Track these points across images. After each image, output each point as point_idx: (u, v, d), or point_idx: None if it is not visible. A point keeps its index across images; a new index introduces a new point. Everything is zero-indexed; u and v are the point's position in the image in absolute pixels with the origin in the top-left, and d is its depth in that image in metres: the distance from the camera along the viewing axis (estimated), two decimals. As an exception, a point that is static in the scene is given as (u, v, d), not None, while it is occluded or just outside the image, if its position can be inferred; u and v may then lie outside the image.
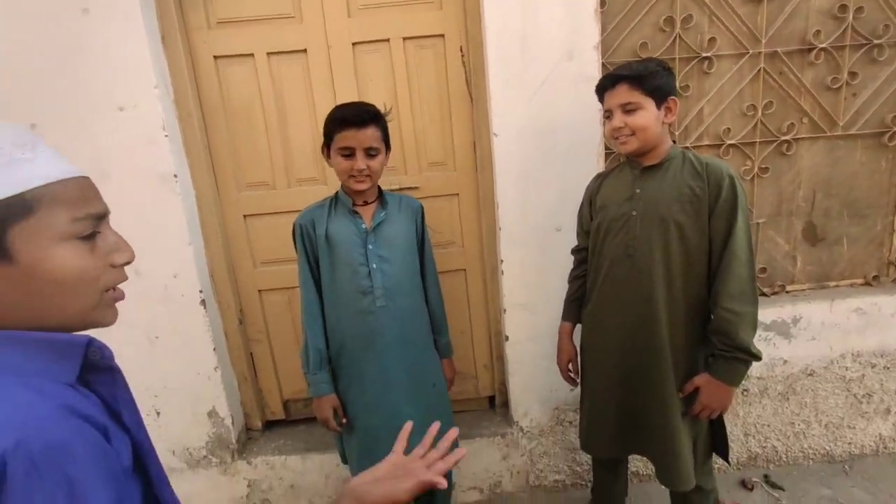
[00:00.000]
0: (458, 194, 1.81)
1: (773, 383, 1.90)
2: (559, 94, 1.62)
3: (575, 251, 1.52)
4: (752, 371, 1.88)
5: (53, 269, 0.47)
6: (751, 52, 1.72)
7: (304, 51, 1.70)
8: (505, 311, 1.76)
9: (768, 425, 1.94)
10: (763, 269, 1.91)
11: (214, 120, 1.72)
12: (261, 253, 1.85)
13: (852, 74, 1.76)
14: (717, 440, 1.40)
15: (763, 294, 1.92)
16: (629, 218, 1.28)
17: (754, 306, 1.21)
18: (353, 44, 1.69)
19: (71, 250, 0.49)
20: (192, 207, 1.70)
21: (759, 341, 1.81)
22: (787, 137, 1.79)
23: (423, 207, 1.50)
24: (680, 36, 1.69)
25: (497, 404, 1.98)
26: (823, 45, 1.72)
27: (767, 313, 1.83)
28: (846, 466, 1.93)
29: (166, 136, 1.57)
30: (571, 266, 1.53)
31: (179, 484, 1.79)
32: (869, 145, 1.84)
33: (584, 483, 1.92)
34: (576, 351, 1.50)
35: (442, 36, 1.71)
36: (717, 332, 1.22)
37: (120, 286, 0.56)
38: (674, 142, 1.34)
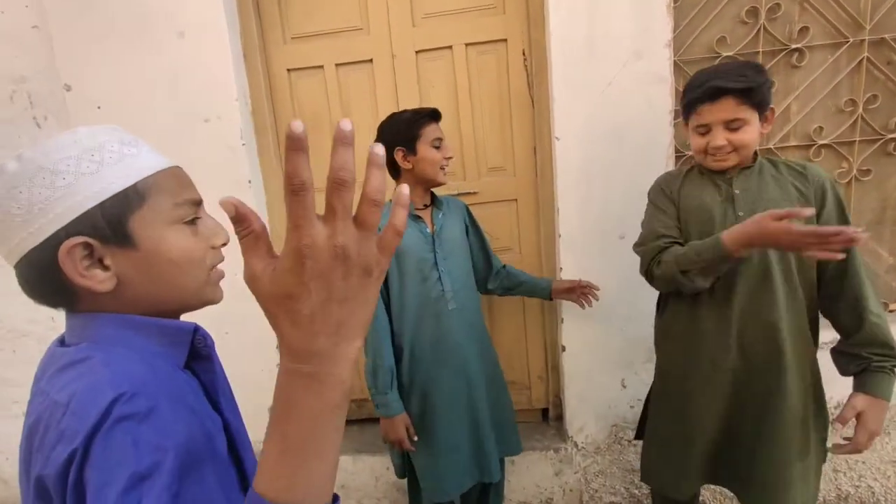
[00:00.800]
0: (516, 200, 1.77)
1: None
2: (627, 95, 1.54)
3: (659, 244, 1.18)
4: (843, 395, 1.66)
5: (169, 250, 0.52)
6: (851, 40, 1.53)
7: (370, 60, 1.74)
8: (563, 320, 1.69)
9: (863, 462, 1.71)
10: (862, 284, 1.69)
11: (284, 129, 1.82)
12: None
13: (980, 62, 1.51)
14: None
15: (862, 312, 1.70)
16: (735, 221, 1.09)
17: (877, 303, 1.09)
18: (417, 52, 1.72)
19: (179, 233, 0.54)
20: (262, 213, 1.80)
21: None
22: (894, 135, 1.58)
23: (466, 206, 1.53)
24: (765, 27, 1.54)
25: (551, 417, 1.91)
26: (943, 31, 1.50)
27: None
28: (967, 516, 1.66)
29: (244, 144, 1.68)
30: (650, 262, 1.20)
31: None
32: None
33: (645, 506, 1.81)
34: None
35: (504, 41, 1.69)
36: (872, 342, 1.07)
37: (220, 266, 0.60)
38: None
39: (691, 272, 1.09)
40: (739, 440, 1.15)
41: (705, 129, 1.10)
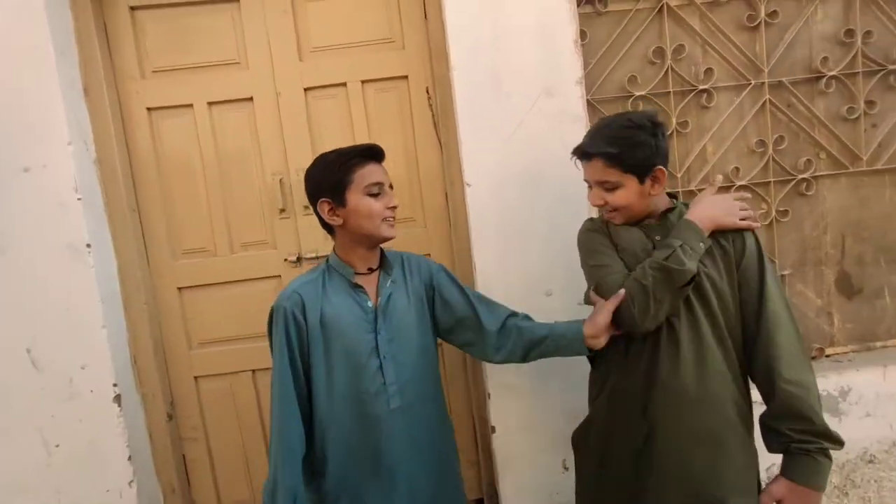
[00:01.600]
0: (429, 255, 1.53)
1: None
2: (540, 135, 1.38)
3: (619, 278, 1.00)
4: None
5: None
6: (753, 82, 1.51)
7: (250, 99, 1.48)
8: (489, 395, 1.42)
9: (826, 527, 1.54)
10: (796, 329, 1.60)
11: (145, 179, 1.48)
12: (199, 332, 1.53)
13: (869, 104, 1.54)
14: None
15: (799, 359, 1.60)
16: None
17: (814, 375, 0.92)
18: (306, 89, 1.48)
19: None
20: (111, 282, 1.41)
21: None
22: (804, 175, 1.54)
23: (443, 268, 1.17)
24: (672, 68, 1.49)
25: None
26: (833, 73, 1.51)
27: (809, 383, 1.50)
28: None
29: (79, 199, 1.31)
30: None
31: None
32: (900, 182, 1.59)
33: None
34: None
35: (405, 77, 1.50)
36: (788, 415, 0.90)
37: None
38: (674, 196, 1.08)
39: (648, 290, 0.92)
40: None
41: (589, 185, 1.04)
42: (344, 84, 1.49)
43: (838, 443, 0.90)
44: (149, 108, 1.47)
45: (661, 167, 0.95)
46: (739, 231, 0.97)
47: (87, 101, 1.39)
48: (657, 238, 1.00)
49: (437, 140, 1.51)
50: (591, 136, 1.01)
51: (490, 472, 1.54)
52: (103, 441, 1.35)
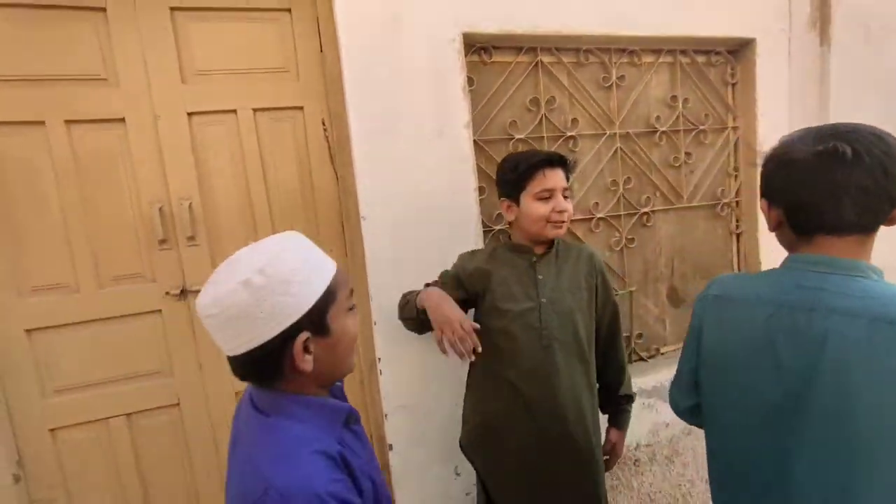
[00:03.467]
0: (327, 283, 1.54)
1: (660, 448, 1.88)
2: (432, 173, 1.48)
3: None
4: (640, 440, 1.85)
5: (346, 333, 0.68)
6: (608, 132, 1.79)
7: (122, 120, 1.34)
8: (386, 415, 1.49)
9: (660, 492, 1.90)
10: (640, 335, 1.93)
11: (-19, 205, 1.25)
12: (56, 377, 1.34)
13: (688, 154, 1.92)
14: None
15: (642, 359, 1.94)
16: (539, 305, 1.17)
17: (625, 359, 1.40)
18: (190, 113, 1.39)
19: (350, 318, 0.70)
20: (-65, 328, 1.17)
21: (643, 408, 1.80)
22: (645, 210, 1.88)
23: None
24: (546, 116, 1.69)
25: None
26: (664, 129, 1.86)
27: (648, 380, 1.82)
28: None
29: None
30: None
31: None
32: (707, 215, 2.01)
33: None
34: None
35: (301, 108, 1.49)
36: (627, 392, 1.36)
37: None
38: None
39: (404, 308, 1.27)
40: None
41: (549, 194, 1.15)
42: (234, 111, 1.42)
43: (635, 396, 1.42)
44: (-15, 124, 1.24)
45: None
46: (600, 268, 1.27)
47: None
48: (540, 277, 1.19)
49: (334, 172, 1.52)
50: (549, 153, 1.20)
51: (389, 486, 1.61)
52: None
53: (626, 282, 1.88)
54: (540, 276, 1.20)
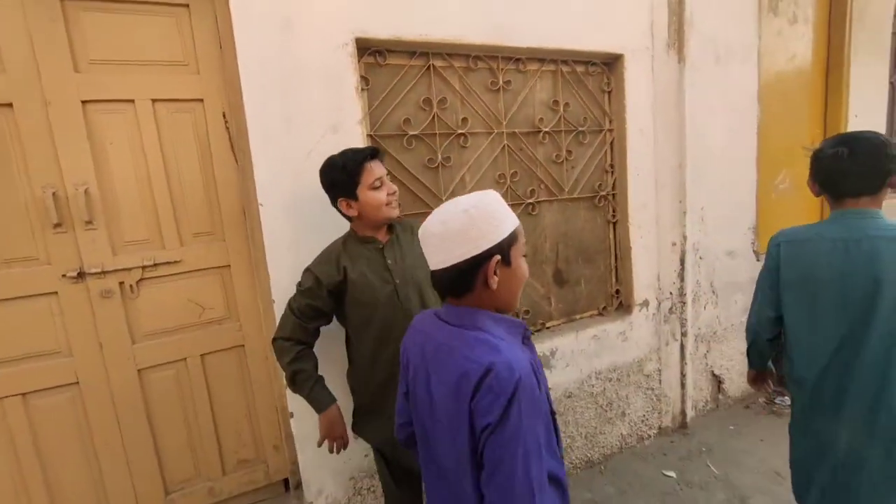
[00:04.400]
0: (229, 266, 1.64)
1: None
2: (329, 164, 1.62)
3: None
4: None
5: (520, 268, 0.86)
6: (496, 131, 2.01)
7: (10, 105, 1.37)
8: (286, 385, 1.63)
9: (545, 446, 2.19)
10: (527, 311, 2.19)
11: None
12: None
13: (569, 152, 2.19)
14: None
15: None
16: (394, 287, 1.35)
17: None
18: (84, 101, 1.43)
19: (522, 261, 0.86)
20: None
21: None
22: (530, 201, 2.12)
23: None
24: (437, 115, 1.88)
25: (291, 485, 1.80)
26: (547, 130, 2.11)
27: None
28: (601, 468, 2.29)
29: None
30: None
31: None
32: (588, 206, 2.30)
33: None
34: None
35: (201, 101, 1.57)
36: None
37: None
38: None
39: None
40: None
41: (380, 182, 1.35)
42: (132, 101, 1.48)
43: None
44: None
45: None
46: None
47: None
48: (389, 262, 1.37)
49: (235, 160, 1.62)
50: (366, 147, 1.39)
51: (292, 452, 1.76)
52: None
53: (514, 264, 2.12)
54: (389, 261, 1.38)
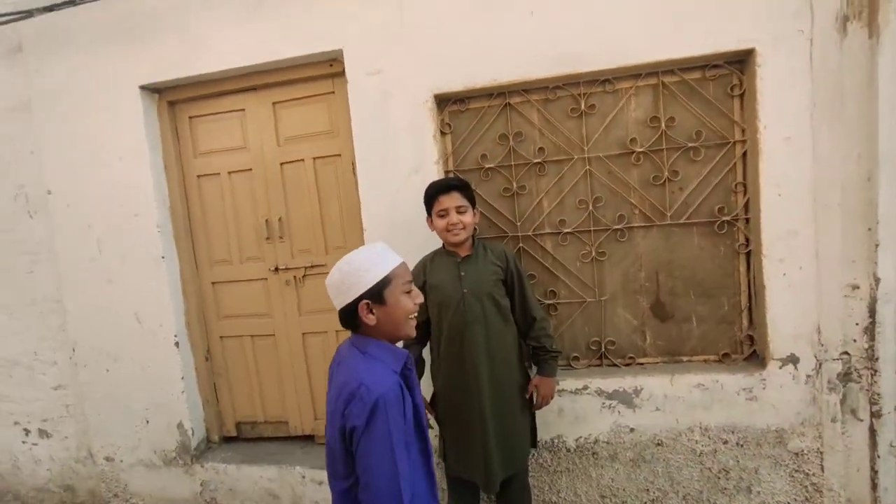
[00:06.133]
0: (350, 270, 2.31)
1: (622, 450, 2.00)
2: (411, 198, 2.04)
3: None
4: (600, 436, 2.02)
5: (399, 305, 1.06)
6: (576, 157, 2.00)
7: (251, 169, 2.38)
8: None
9: (623, 489, 2.02)
10: (612, 342, 2.07)
11: (195, 218, 2.47)
12: (223, 309, 2.51)
13: (674, 172, 1.93)
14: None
15: (614, 364, 2.07)
16: (462, 295, 1.69)
17: (548, 322, 1.81)
18: (281, 164, 2.34)
19: (405, 298, 1.07)
20: (176, 279, 2.42)
21: (603, 408, 1.98)
22: (618, 227, 2.00)
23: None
24: (513, 148, 2.04)
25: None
26: (641, 150, 1.94)
27: (610, 383, 1.98)
28: (699, 540, 1.93)
29: (159, 231, 2.33)
30: None
31: (157, 477, 2.44)
32: (704, 233, 1.96)
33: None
34: None
35: (339, 155, 2.27)
36: (540, 347, 1.78)
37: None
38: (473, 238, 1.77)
39: None
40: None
41: (445, 213, 1.68)
42: (303, 160, 2.31)
43: (559, 352, 1.83)
44: (198, 175, 2.44)
45: (479, 208, 1.80)
46: (510, 258, 1.76)
47: (167, 172, 2.39)
48: (462, 273, 1.70)
49: (358, 197, 2.26)
50: (444, 180, 1.77)
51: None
52: (170, 367, 2.38)
53: (595, 291, 2.05)
54: (462, 273, 1.70)
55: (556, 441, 2.05)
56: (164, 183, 2.39)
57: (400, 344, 1.21)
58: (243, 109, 2.34)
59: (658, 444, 1.97)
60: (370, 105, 2.06)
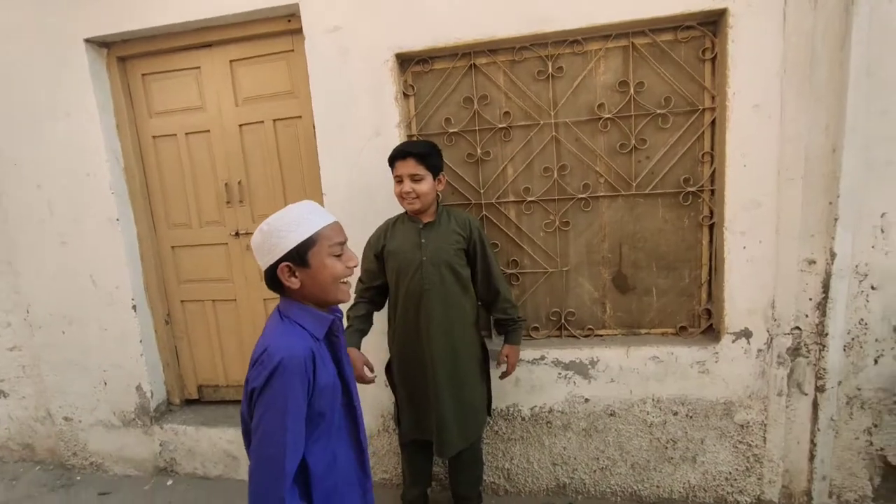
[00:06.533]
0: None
1: (576, 419, 2.02)
2: (373, 163, 1.98)
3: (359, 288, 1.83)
4: (555, 405, 2.03)
5: (324, 268, 0.97)
6: (541, 122, 1.93)
7: (208, 131, 2.28)
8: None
9: (575, 458, 2.05)
10: (572, 313, 2.06)
11: (152, 180, 2.39)
12: (183, 273, 2.46)
13: (642, 140, 1.87)
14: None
15: (572, 336, 2.06)
16: (421, 262, 1.65)
17: (510, 293, 1.80)
18: (240, 125, 2.24)
19: (332, 261, 0.98)
20: (133, 241, 2.35)
21: (559, 378, 1.99)
22: (582, 196, 1.95)
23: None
24: (478, 112, 1.97)
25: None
26: (609, 116, 1.87)
27: (568, 353, 1.97)
28: (647, 507, 1.98)
29: (112, 193, 2.25)
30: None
31: (116, 437, 2.45)
32: (670, 204, 1.92)
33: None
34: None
35: (300, 117, 2.18)
36: (504, 307, 1.78)
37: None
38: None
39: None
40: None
41: (400, 179, 1.63)
42: (262, 122, 2.22)
43: (524, 320, 1.90)
44: (153, 136, 2.34)
45: (443, 174, 1.70)
46: (474, 227, 1.72)
47: (119, 133, 2.29)
48: (423, 240, 1.66)
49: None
50: (405, 145, 1.68)
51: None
52: (128, 329, 2.35)
53: (558, 261, 2.02)
54: (423, 240, 1.66)
55: (511, 409, 2.06)
56: (116, 142, 2.29)
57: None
58: (199, 67, 2.23)
59: (611, 415, 1.99)
60: (328, 64, 1.96)
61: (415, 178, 1.61)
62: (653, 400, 1.94)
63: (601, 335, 2.05)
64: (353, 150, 2.01)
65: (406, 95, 2.01)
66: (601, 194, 1.95)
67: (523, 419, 2.06)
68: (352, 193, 2.03)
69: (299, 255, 0.96)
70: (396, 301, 1.73)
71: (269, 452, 0.88)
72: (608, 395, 1.97)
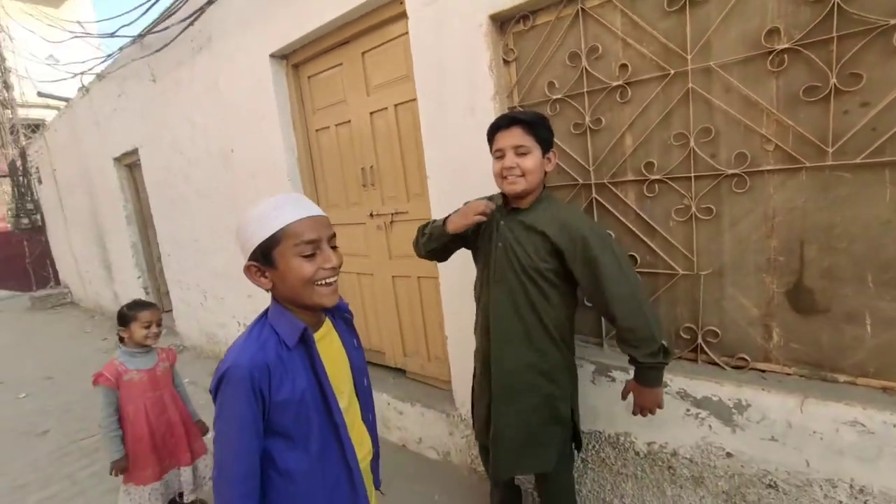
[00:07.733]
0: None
1: (712, 476, 1.50)
2: (467, 141, 1.85)
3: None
4: (680, 449, 1.57)
5: (291, 270, 0.87)
6: (672, 71, 1.42)
7: (349, 121, 2.56)
8: (445, 315, 2.15)
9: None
10: (713, 332, 1.50)
11: (316, 168, 2.84)
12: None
13: (853, 76, 1.16)
14: None
15: (714, 363, 1.52)
16: (494, 248, 1.42)
17: (640, 319, 1.29)
18: (370, 113, 2.43)
19: (298, 262, 0.87)
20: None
21: (687, 417, 1.56)
22: (734, 171, 1.36)
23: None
24: (586, 69, 1.58)
25: (453, 388, 2.35)
26: (788, 46, 1.22)
27: (703, 387, 1.47)
28: None
29: (289, 180, 2.79)
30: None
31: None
32: (887, 180, 1.15)
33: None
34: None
35: (415, 99, 2.19)
36: (632, 358, 1.34)
37: (332, 279, 0.93)
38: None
39: (425, 235, 1.53)
40: None
41: (501, 153, 1.34)
42: (387, 108, 2.34)
43: (665, 363, 1.31)
44: (316, 130, 2.78)
45: (554, 151, 1.36)
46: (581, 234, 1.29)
47: (294, 129, 2.81)
48: (502, 223, 1.40)
49: (429, 142, 2.18)
50: (511, 113, 1.41)
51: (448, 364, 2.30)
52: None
53: (694, 261, 1.50)
54: (502, 223, 1.40)
55: (622, 438, 1.69)
56: (292, 138, 2.81)
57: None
58: (341, 64, 2.50)
59: (770, 486, 1.40)
60: (426, 38, 1.91)
61: (520, 151, 1.30)
62: (850, 487, 1.27)
63: (761, 370, 1.45)
64: (448, 130, 1.92)
65: (506, 62, 1.78)
66: (768, 167, 1.33)
67: (637, 454, 1.67)
68: (450, 176, 1.96)
69: (263, 255, 0.88)
70: (477, 284, 1.54)
71: (221, 457, 0.88)
72: (766, 457, 1.39)
